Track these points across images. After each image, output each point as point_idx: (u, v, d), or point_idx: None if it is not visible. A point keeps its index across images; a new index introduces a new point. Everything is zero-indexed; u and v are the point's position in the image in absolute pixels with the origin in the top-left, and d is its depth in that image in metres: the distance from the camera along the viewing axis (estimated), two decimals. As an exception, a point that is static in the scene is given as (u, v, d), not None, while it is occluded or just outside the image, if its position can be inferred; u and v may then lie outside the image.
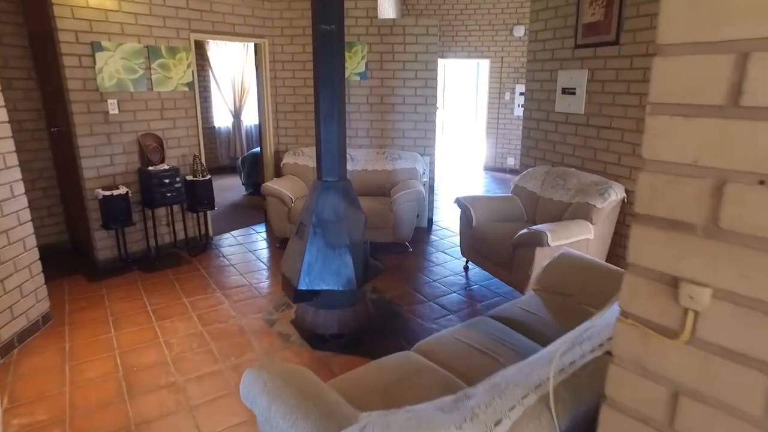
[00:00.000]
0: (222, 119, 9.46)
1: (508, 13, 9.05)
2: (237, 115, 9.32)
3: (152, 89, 4.66)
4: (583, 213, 3.85)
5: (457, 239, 5.42)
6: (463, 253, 4.66)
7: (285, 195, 5.01)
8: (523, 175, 4.80)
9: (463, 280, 4.51)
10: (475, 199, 4.55)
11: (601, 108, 4.23)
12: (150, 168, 4.58)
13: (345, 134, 3.38)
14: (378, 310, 3.83)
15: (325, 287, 3.27)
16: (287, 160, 5.61)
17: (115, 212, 4.38)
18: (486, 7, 9.15)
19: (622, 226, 4.09)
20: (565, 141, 4.68)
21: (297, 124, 5.87)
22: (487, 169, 9.95)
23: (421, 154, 5.74)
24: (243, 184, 7.71)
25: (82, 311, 3.82)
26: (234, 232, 5.83)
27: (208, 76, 9.12)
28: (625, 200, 3.97)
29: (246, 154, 7.69)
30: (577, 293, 2.72)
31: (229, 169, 9.50)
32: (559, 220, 4.04)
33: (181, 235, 5.11)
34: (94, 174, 4.40)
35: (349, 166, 5.54)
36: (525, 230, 3.73)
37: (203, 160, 5.15)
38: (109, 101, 4.38)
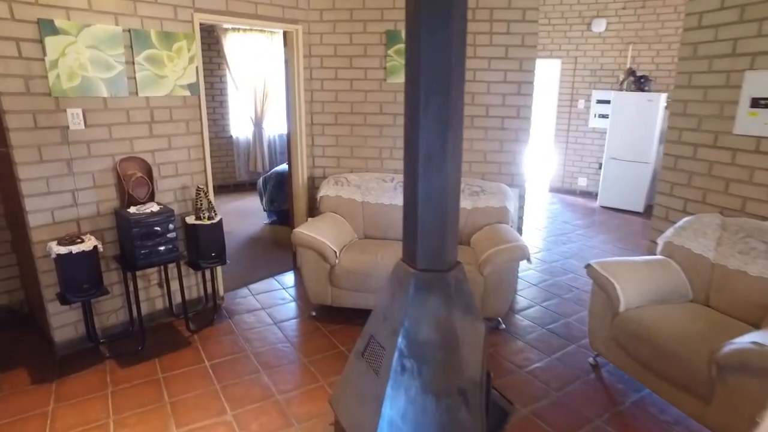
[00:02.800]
0: (241, 128, 7.99)
1: (586, 4, 7.44)
2: (258, 123, 7.85)
3: (137, 93, 3.17)
4: None
5: (558, 306, 3.84)
6: (596, 347, 3.08)
7: (326, 247, 3.48)
8: (679, 228, 3.21)
9: (599, 390, 2.92)
10: (617, 267, 2.97)
11: None
12: (131, 210, 3.09)
13: (459, 186, 1.83)
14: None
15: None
16: (326, 191, 4.08)
17: (77, 277, 2.89)
18: (560, -4, 7.56)
19: None
20: (752, 179, 3.07)
21: (339, 141, 4.34)
22: (554, 190, 8.33)
23: (508, 185, 4.18)
24: (265, 210, 6.21)
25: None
26: (253, 286, 4.32)
27: (225, 75, 7.66)
28: None
29: (269, 172, 6.19)
30: None
31: (249, 187, 8.04)
32: (766, 308, 2.46)
33: (179, 297, 3.61)
34: (45, 220, 2.93)
35: (413, 203, 3.98)
36: (748, 344, 2.16)
37: (211, 196, 3.65)
38: (70, 111, 2.90)
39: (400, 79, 4.11)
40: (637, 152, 6.87)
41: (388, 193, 4.06)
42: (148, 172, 3.29)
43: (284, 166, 6.11)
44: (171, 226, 3.13)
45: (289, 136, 4.42)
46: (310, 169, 4.42)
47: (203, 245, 3.44)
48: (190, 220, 3.45)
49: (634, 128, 6.83)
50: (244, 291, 4.22)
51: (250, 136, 7.95)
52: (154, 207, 3.16)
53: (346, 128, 4.30)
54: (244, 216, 6.55)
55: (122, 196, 3.20)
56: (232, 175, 8.09)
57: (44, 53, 2.74)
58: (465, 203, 3.97)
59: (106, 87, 3.01)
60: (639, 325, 2.69)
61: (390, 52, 4.08)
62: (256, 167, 7.98)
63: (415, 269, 1.81)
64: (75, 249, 2.85)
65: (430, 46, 1.60)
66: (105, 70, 2.99)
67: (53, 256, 2.82)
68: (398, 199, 4.03)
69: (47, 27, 2.71)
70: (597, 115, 7.70)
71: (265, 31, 7.41)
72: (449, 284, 1.82)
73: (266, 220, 6.19)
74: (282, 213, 5.93)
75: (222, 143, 7.88)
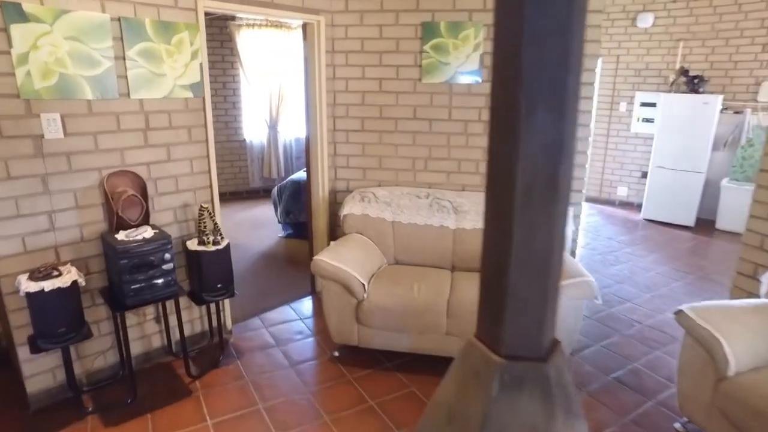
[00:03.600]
0: (254, 131, 7.47)
1: (630, -3, 6.79)
2: (273, 126, 7.32)
3: (128, 95, 2.64)
4: None
5: (621, 346, 3.23)
6: (688, 413, 2.47)
7: (353, 280, 2.92)
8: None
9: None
10: (720, 316, 2.36)
11: None
12: (120, 237, 2.55)
13: (564, 232, 1.25)
14: None
15: None
16: (350, 209, 3.51)
17: (52, 319, 2.37)
18: (603, -11, 6.90)
19: None
20: None
21: (366, 150, 3.77)
22: (591, 200, 7.69)
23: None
24: (280, 222, 5.67)
25: None
26: (265, 316, 3.77)
27: (238, 75, 7.14)
28: None
29: (284, 180, 5.65)
30: None
31: (263, 194, 7.52)
32: None
33: (179, 333, 3.07)
34: (13, 248, 2.40)
35: (452, 221, 3.42)
36: None
37: (217, 215, 3.11)
38: (45, 116, 2.37)
39: (437, 78, 3.53)
40: (688, 160, 6.21)
41: (422, 212, 3.49)
42: (142, 188, 2.75)
43: (301, 174, 5.58)
44: (167, 255, 2.59)
45: (308, 143, 3.87)
46: (331, 181, 3.86)
47: (207, 275, 2.90)
48: (192, 245, 2.91)
49: (685, 134, 6.17)
50: (255, 322, 3.67)
51: (265, 140, 7.43)
52: (147, 232, 2.62)
53: (374, 135, 3.73)
54: (257, 227, 6.01)
55: (111, 217, 2.67)
56: (245, 182, 7.57)
57: (10, 45, 2.21)
58: (513, 224, 3.36)
59: (91, 87, 2.48)
60: (763, 398, 2.08)
61: (426, 47, 3.51)
62: (271, 173, 7.45)
63: (499, 356, 1.24)
64: (49, 285, 2.32)
65: (537, 37, 1.02)
66: (89, 66, 2.46)
67: (22, 293, 2.29)
68: (434, 219, 3.46)
69: (12, 12, 2.18)
70: (640, 119, 7.05)
71: (281, 26, 6.88)
72: (548, 378, 1.24)
73: (281, 233, 5.66)
74: (298, 225, 5.39)
75: (234, 147, 7.37)
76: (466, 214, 3.47)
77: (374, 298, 2.95)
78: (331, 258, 2.98)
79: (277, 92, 7.14)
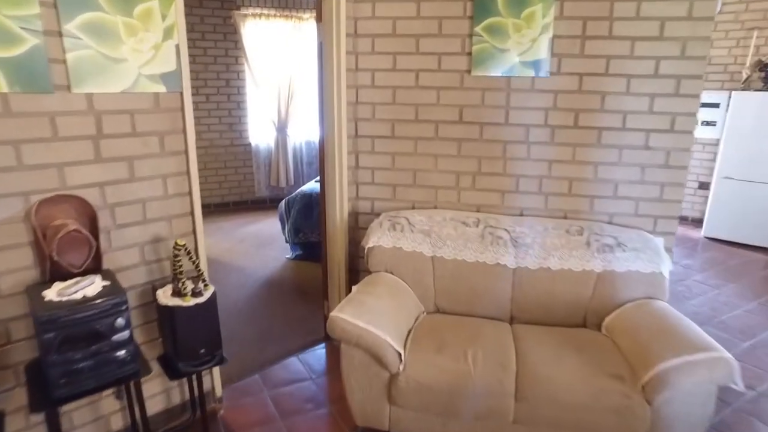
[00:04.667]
0: (261, 134, 6.67)
1: (691, -17, 5.87)
2: (282, 128, 6.52)
3: (69, 87, 1.84)
4: None
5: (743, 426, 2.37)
6: None
7: (384, 346, 2.10)
8: None
9: None
10: None
11: None
12: (47, 295, 1.75)
13: None
14: None
15: None
16: (378, 239, 2.68)
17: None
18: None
19: None
20: None
21: (397, 162, 2.94)
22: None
23: (648, 231, 2.73)
24: (287, 242, 4.86)
25: None
26: (268, 372, 2.97)
27: (243, 71, 6.34)
28: None
29: (293, 194, 4.84)
30: None
31: (269, 204, 6.73)
32: None
33: (155, 406, 2.27)
34: None
35: (511, 257, 2.60)
36: None
37: (201, 260, 2.30)
38: (-68, 119, 1.57)
39: (491, 70, 2.71)
40: (764, 170, 5.30)
41: (471, 245, 2.65)
42: (91, 220, 1.95)
43: (313, 185, 4.78)
44: (121, 320, 1.78)
45: (322, 152, 3.05)
46: (352, 201, 3.04)
47: (184, 338, 2.09)
48: (165, 296, 2.10)
49: (761, 138, 5.26)
50: (254, 382, 2.86)
51: (272, 144, 6.63)
52: (93, 285, 1.81)
53: (408, 143, 2.90)
54: (261, 245, 5.21)
55: (43, 262, 1.86)
56: (251, 190, 6.78)
57: None
58: (590, 263, 2.53)
59: (6, 75, 1.67)
60: None
61: (478, 29, 2.68)
62: (279, 181, 6.65)
63: None
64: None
65: None
66: (5, 45, 1.65)
67: None
68: (487, 254, 2.62)
69: None
70: (700, 122, 6.14)
71: (291, 16, 6.09)
72: None
73: (289, 254, 4.85)
74: (310, 246, 4.58)
75: (239, 152, 6.58)
76: (529, 248, 2.63)
77: (413, 372, 2.12)
78: (354, 315, 2.16)
79: (286, 90, 6.35)
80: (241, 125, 6.53)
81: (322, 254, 3.26)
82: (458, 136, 2.84)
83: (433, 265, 2.67)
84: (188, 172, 2.23)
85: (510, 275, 2.61)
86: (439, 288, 2.66)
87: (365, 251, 2.73)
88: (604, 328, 2.46)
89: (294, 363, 3.06)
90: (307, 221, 4.59)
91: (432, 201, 2.96)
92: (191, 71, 5.70)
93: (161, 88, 2.07)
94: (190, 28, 5.82)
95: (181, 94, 2.13)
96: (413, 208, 2.98)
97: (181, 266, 2.08)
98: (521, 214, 2.88)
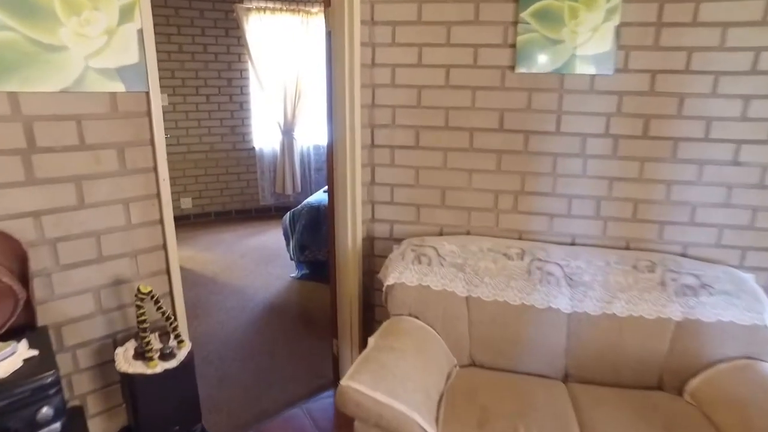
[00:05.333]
0: (266, 138, 6.18)
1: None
2: (288, 130, 6.02)
3: (-19, 86, 1.33)
4: None
5: None
6: None
7: (408, 424, 1.56)
8: None
9: None
10: None
11: None
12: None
13: None
14: None
15: None
16: (400, 275, 2.16)
17: None
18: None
19: None
20: None
21: (422, 177, 2.42)
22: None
23: (734, 266, 2.19)
24: (292, 259, 4.36)
25: None
26: (264, 427, 2.45)
27: (247, 69, 5.86)
28: None
29: (299, 206, 4.33)
30: None
31: (274, 213, 6.24)
32: None
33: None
34: None
35: (566, 300, 2.06)
36: None
37: (176, 306, 1.79)
38: None
39: (540, 65, 2.18)
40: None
41: (516, 283, 2.13)
42: (19, 260, 1.45)
43: (320, 196, 4.28)
44: (48, 410, 1.27)
45: (330, 165, 2.54)
46: (367, 223, 2.52)
47: (149, 413, 1.58)
48: (124, 361, 1.59)
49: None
50: (244, 446, 2.35)
51: (278, 148, 6.13)
52: (11, 358, 1.31)
53: (435, 155, 2.38)
54: (265, 261, 4.71)
55: (-50, 323, 1.36)
56: (255, 198, 6.29)
57: None
58: (669, 309, 2.00)
59: None
60: None
61: (525, 14, 2.15)
62: (285, 188, 6.15)
63: None
64: None
65: None
66: None
67: None
68: (535, 296, 2.09)
69: None
70: None
71: (299, 10, 5.59)
72: None
73: (294, 273, 4.34)
74: (317, 264, 4.08)
75: (242, 157, 6.09)
76: (587, 288, 2.10)
77: (450, 463, 1.59)
78: (372, 384, 1.64)
79: (293, 90, 5.85)
80: (244, 128, 6.04)
81: (331, 284, 2.75)
82: (497, 147, 2.31)
83: (467, 307, 2.14)
84: (158, 195, 1.73)
85: (564, 322, 2.08)
86: (476, 336, 2.14)
87: (384, 288, 2.22)
88: (688, 393, 1.93)
89: (297, 416, 2.55)
90: (313, 237, 4.09)
91: (464, 225, 2.43)
92: (190, 69, 5.18)
93: (119, 87, 1.56)
94: (189, 23, 5.34)
95: (147, 94, 1.63)
96: (441, 233, 2.46)
97: (145, 319, 1.57)
98: (573, 243, 2.35)
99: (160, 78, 5.52)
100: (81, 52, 1.48)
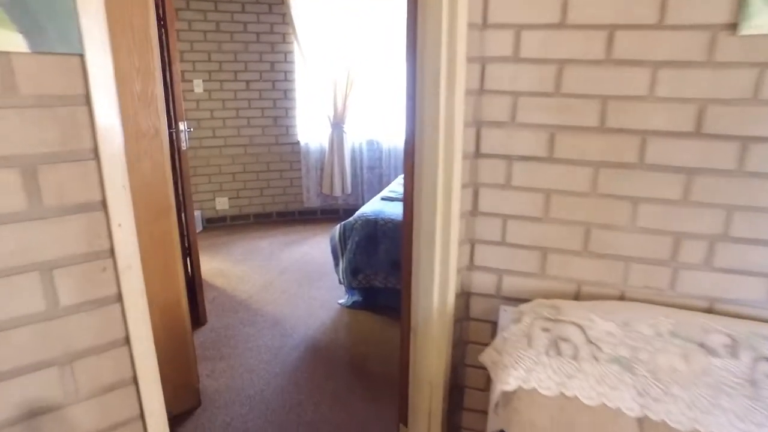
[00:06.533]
0: (312, 130, 5.40)
1: None
2: (338, 124, 5.21)
3: None
4: None
5: None
6: None
7: None
8: None
9: None
10: None
11: None
12: None
13: None
14: None
15: None
16: (525, 374, 1.30)
17: None
18: None
19: None
20: None
21: (553, 206, 1.54)
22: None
23: None
24: (341, 283, 3.55)
25: None
26: None
27: (292, 52, 5.07)
28: None
29: (351, 218, 3.50)
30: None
31: (321, 217, 5.48)
32: None
33: None
34: None
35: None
36: None
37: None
38: None
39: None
40: None
41: (729, 401, 1.22)
42: None
43: (378, 205, 3.47)
44: None
45: (409, 183, 1.68)
46: (461, 273, 1.65)
47: None
48: None
49: None
50: None
51: (326, 143, 5.34)
52: None
53: (581, 172, 1.48)
54: (308, 281, 3.93)
55: None
56: (298, 199, 5.54)
57: None
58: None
59: None
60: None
61: (764, -68, 1.21)
62: (333, 189, 5.36)
63: None
64: None
65: None
66: None
67: None
68: (769, 424, 1.17)
69: None
70: None
71: (355, -19, 4.75)
72: None
73: (343, 299, 3.54)
74: (373, 291, 3.27)
75: (285, 152, 5.34)
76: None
77: None
78: None
79: (345, 77, 5.03)
80: (288, 119, 5.27)
81: (401, 354, 1.91)
82: (689, 162, 1.40)
83: (643, 438, 1.25)
84: (112, 251, 0.91)
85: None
86: (659, 491, 1.24)
87: (493, 389, 1.35)
88: None
89: None
90: (369, 258, 3.27)
91: (616, 284, 1.53)
92: (228, 51, 4.37)
93: (12, 43, 0.74)
94: (228, -2, 4.61)
95: (82, 58, 0.81)
96: (578, 296, 1.57)
97: None
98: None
99: (195, 62, 4.83)
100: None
